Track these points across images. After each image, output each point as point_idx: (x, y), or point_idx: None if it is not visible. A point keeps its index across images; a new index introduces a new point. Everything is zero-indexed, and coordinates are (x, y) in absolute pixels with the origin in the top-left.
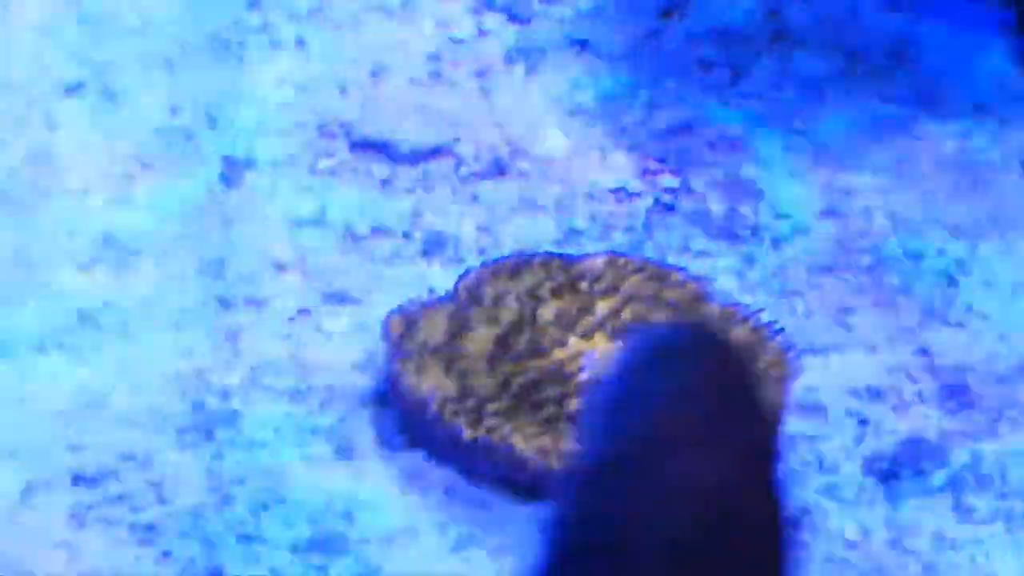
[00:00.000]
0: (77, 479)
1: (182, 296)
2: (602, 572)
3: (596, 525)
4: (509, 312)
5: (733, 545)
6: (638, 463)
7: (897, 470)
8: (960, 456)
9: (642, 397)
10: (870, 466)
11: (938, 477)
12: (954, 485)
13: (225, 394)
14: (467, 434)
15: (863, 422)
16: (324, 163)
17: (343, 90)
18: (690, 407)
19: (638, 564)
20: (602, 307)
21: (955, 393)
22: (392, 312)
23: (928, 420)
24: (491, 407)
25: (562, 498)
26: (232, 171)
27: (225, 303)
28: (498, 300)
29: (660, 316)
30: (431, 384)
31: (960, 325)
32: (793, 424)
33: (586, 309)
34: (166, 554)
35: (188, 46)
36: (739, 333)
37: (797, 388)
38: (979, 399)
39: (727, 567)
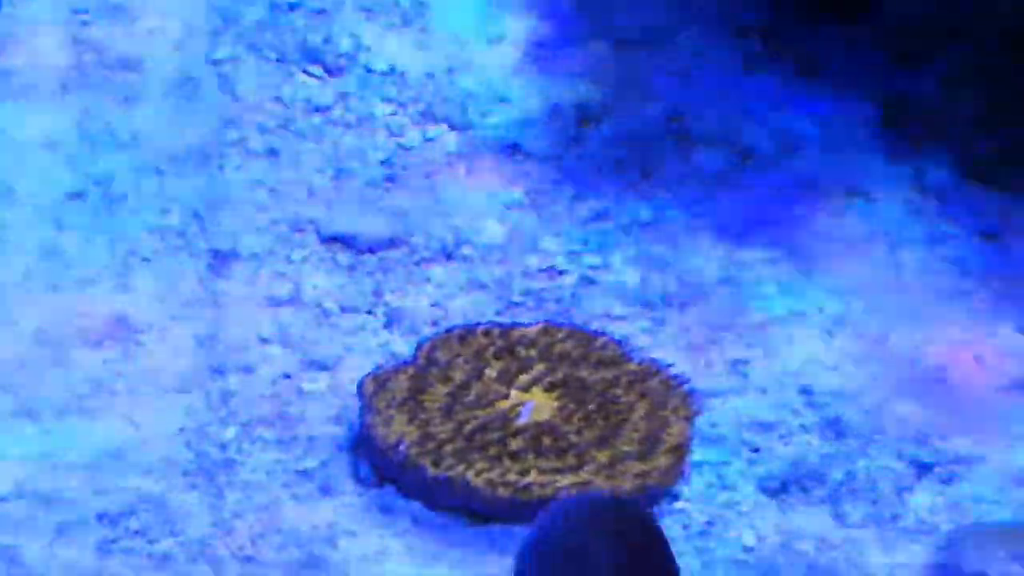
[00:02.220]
0: (102, 518)
1: (182, 365)
2: None
3: None
4: (460, 372)
5: None
6: None
7: (786, 487)
8: (836, 474)
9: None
10: (762, 484)
11: (819, 491)
12: (832, 498)
13: (223, 446)
14: (430, 472)
15: (756, 450)
16: (297, 253)
17: (311, 192)
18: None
19: None
20: (538, 367)
21: (831, 423)
22: (365, 375)
23: (810, 446)
24: (448, 448)
25: None
26: (218, 262)
27: (219, 371)
28: (450, 362)
29: (587, 373)
30: (399, 432)
31: (836, 368)
32: (699, 453)
33: (524, 368)
34: None
35: (174, 157)
36: (652, 383)
37: (701, 424)
38: (850, 427)
39: None
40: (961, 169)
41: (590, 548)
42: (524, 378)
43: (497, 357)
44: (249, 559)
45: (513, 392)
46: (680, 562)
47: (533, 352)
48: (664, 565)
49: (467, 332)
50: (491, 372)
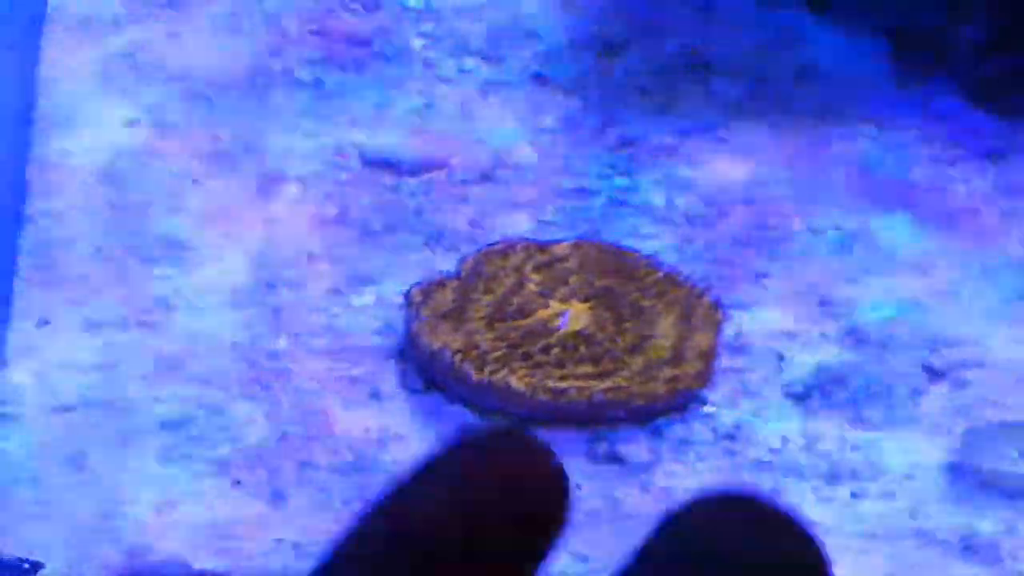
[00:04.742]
0: (163, 425)
1: (234, 282)
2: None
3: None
4: (501, 284)
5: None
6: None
7: (808, 392)
8: (856, 380)
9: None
10: (786, 390)
11: (840, 396)
12: (853, 402)
13: (276, 356)
14: (475, 377)
15: (779, 358)
16: (342, 176)
17: (354, 120)
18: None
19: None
20: (575, 279)
21: (850, 332)
22: (412, 286)
23: (830, 353)
24: (491, 355)
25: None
26: (267, 184)
27: (270, 286)
28: (493, 275)
29: (620, 285)
30: (444, 340)
31: (853, 281)
32: (726, 361)
33: (561, 281)
34: (237, 482)
35: (223, 87)
36: (681, 294)
37: (727, 334)
38: (868, 336)
39: None
40: (968, 94)
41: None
42: (562, 290)
43: (536, 270)
44: (304, 464)
45: (552, 303)
46: (709, 464)
47: (569, 265)
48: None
49: (508, 247)
50: (531, 284)
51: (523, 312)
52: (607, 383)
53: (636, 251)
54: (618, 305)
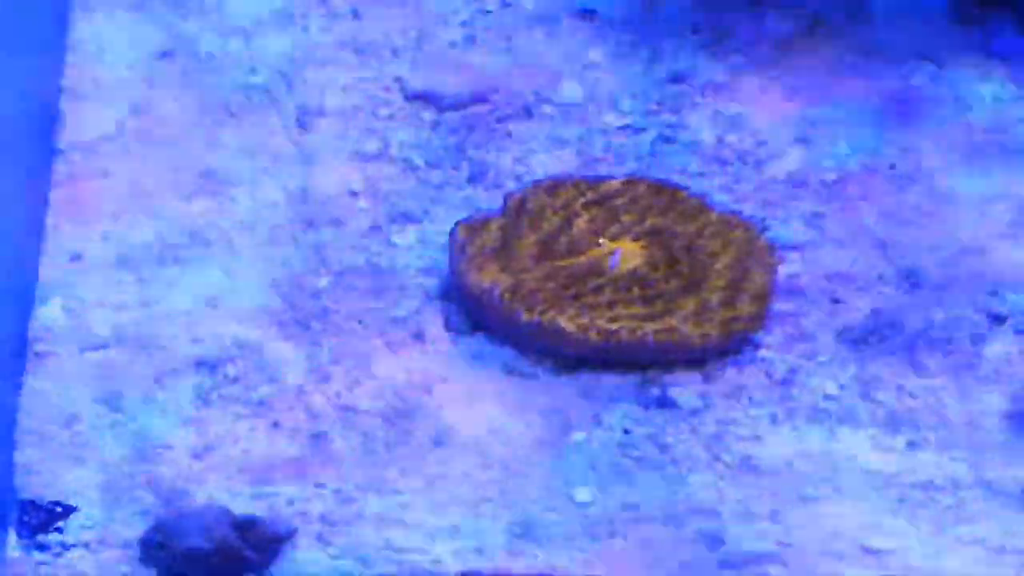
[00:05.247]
0: (199, 365)
1: (273, 218)
2: None
3: None
4: (550, 222)
5: None
6: None
7: (864, 337)
8: (914, 324)
9: None
10: (841, 335)
11: (897, 341)
12: (910, 347)
13: (316, 294)
14: (524, 317)
15: (835, 301)
16: (383, 110)
17: (395, 52)
18: None
19: None
20: (626, 217)
21: (908, 275)
22: (458, 222)
23: (887, 297)
24: (540, 295)
25: None
26: (307, 118)
27: (310, 223)
28: (541, 213)
29: (672, 224)
30: (491, 278)
31: (910, 223)
32: (779, 304)
33: (612, 219)
34: (276, 424)
35: (259, 19)
36: (734, 234)
37: (781, 276)
38: (927, 279)
39: None
40: None
41: None
42: (613, 228)
43: (586, 208)
44: (345, 408)
45: (603, 241)
46: (763, 410)
47: (621, 203)
48: None
49: (556, 184)
50: (580, 222)
51: (572, 251)
52: (659, 324)
53: (688, 189)
54: (671, 245)
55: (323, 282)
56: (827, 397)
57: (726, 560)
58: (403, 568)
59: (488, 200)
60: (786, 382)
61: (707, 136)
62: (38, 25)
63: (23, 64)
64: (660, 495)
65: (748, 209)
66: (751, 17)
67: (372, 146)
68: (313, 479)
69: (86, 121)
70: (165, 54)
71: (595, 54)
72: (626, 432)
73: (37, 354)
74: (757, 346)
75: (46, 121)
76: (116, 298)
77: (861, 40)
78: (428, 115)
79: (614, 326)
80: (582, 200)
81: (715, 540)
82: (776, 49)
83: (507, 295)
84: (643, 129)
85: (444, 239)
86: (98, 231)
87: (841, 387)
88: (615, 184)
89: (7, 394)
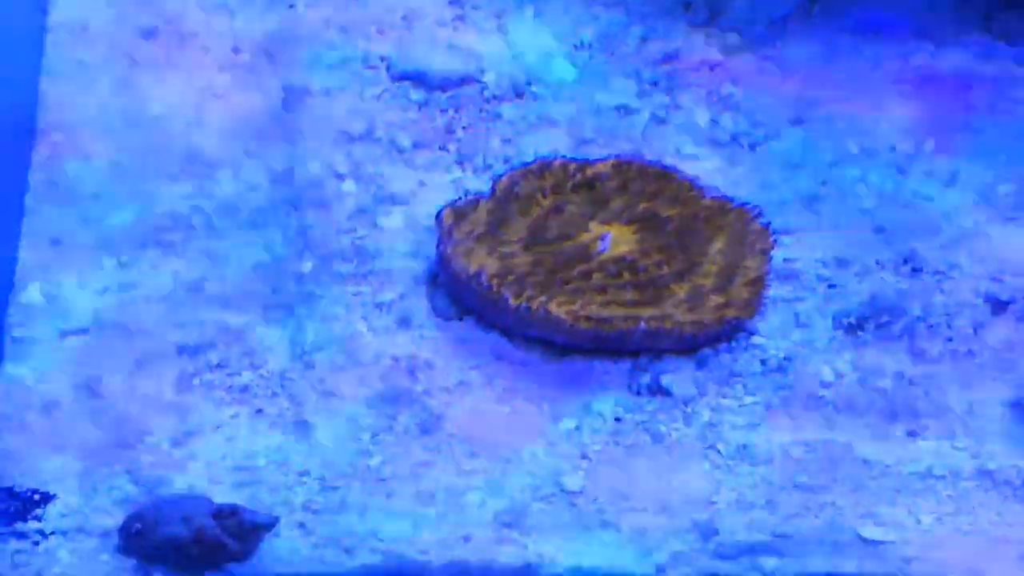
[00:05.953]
0: (181, 351)
1: (257, 200)
2: None
3: None
4: (539, 205)
5: None
6: None
7: (862, 323)
8: (913, 311)
9: None
10: (839, 320)
11: (896, 327)
12: (909, 333)
13: (301, 279)
14: (512, 303)
15: (832, 286)
16: (369, 90)
17: (381, 30)
18: None
19: None
20: (617, 201)
21: (907, 260)
22: (444, 206)
23: (885, 282)
24: (529, 280)
25: None
26: (292, 98)
27: (294, 205)
28: (530, 195)
29: (665, 208)
30: (479, 263)
31: (909, 205)
32: (774, 289)
33: (603, 202)
34: (259, 411)
35: None
36: (729, 218)
37: (777, 260)
38: (926, 264)
39: None
40: None
41: None
42: (603, 212)
43: (576, 191)
44: (329, 393)
45: (593, 225)
46: (758, 397)
47: (611, 186)
48: None
49: (546, 165)
50: (571, 206)
51: (562, 235)
52: (651, 311)
53: (681, 172)
54: (663, 229)
55: (307, 266)
56: (824, 384)
57: (720, 551)
58: (387, 558)
59: (477, 181)
60: (781, 369)
61: (701, 117)
62: (17, 3)
63: (1, 44)
64: (652, 484)
65: (743, 192)
66: None
67: (358, 127)
68: (296, 467)
69: (67, 102)
70: (148, 33)
71: (587, 33)
72: (617, 420)
73: (15, 339)
74: (751, 333)
75: (27, 102)
76: (97, 282)
77: (858, 19)
78: (415, 95)
79: (605, 312)
80: (571, 182)
81: (709, 530)
82: (772, 28)
83: (495, 280)
84: (635, 110)
85: (431, 222)
86: (78, 214)
87: (838, 374)
88: (605, 166)
89: None
